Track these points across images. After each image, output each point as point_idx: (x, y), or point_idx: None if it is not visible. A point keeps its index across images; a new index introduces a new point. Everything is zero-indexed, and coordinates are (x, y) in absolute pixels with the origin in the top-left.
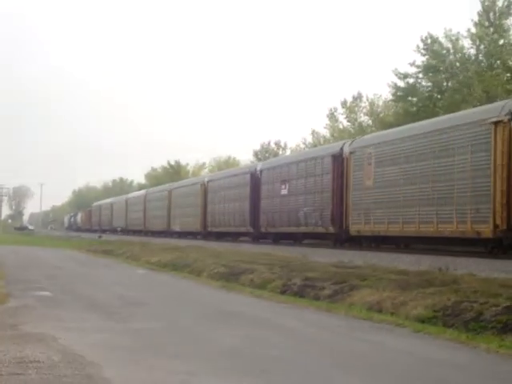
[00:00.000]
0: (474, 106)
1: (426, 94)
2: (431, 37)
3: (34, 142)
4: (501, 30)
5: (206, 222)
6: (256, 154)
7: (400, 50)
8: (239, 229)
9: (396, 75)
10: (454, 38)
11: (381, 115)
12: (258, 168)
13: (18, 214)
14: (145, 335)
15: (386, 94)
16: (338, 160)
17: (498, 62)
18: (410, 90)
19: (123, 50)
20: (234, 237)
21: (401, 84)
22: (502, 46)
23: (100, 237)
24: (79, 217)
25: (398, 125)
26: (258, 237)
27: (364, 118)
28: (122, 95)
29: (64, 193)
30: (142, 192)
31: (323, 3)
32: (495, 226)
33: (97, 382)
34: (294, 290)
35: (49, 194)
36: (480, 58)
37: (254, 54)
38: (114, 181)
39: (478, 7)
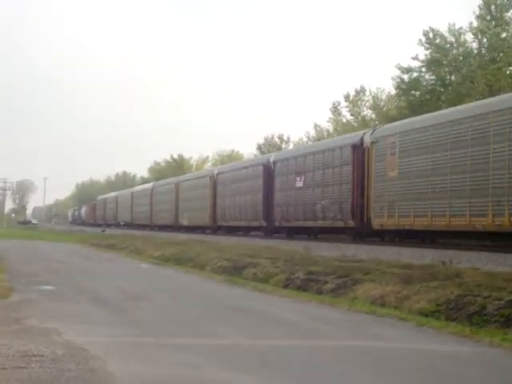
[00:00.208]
0: (478, 100)
1: (430, 88)
2: (433, 30)
3: (38, 136)
4: (503, 23)
5: (216, 215)
6: (259, 147)
7: (403, 43)
8: (251, 223)
9: (399, 69)
10: (456, 32)
11: (384, 109)
12: (272, 159)
13: (21, 208)
14: (148, 329)
15: (389, 88)
16: (359, 150)
17: (501, 54)
18: (413, 83)
19: (128, 40)
20: (245, 231)
21: (404, 77)
22: (504, 39)
23: (103, 231)
24: (83, 211)
25: (401, 119)
26: (272, 231)
27: (367, 112)
28: (123, 89)
29: (67, 187)
30: (149, 185)
31: None
32: None
33: (100, 375)
34: (297, 283)
35: (52, 188)
36: (483, 51)
37: (258, 47)
38: (117, 175)
39: (479, 0)
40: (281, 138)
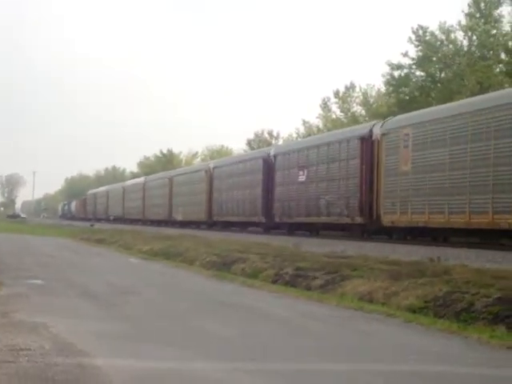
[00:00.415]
0: (468, 97)
1: (420, 84)
2: (422, 28)
3: (27, 130)
4: (492, 21)
5: (212, 210)
6: (249, 142)
7: (393, 40)
8: (250, 218)
9: (389, 65)
10: (446, 30)
11: (374, 105)
12: (272, 153)
13: (10, 202)
14: (137, 323)
15: (379, 85)
16: (367, 143)
17: (491, 52)
18: (403, 80)
19: (117, 36)
20: (241, 227)
21: (395, 74)
22: (494, 36)
23: (92, 225)
24: (73, 205)
25: (391, 115)
26: (271, 227)
27: (357, 108)
28: (111, 84)
29: (57, 181)
30: (141, 179)
31: None
32: None
33: (89, 370)
34: (286, 279)
35: (41, 182)
36: (472, 49)
37: (248, 44)
38: (106, 169)
39: None
40: (271, 133)
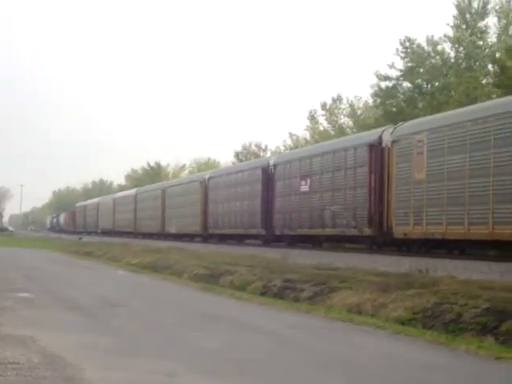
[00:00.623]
0: (455, 108)
1: (407, 95)
2: (410, 40)
3: (13, 143)
4: (477, 32)
5: (207, 223)
6: (237, 155)
7: (380, 52)
8: (248, 231)
9: (377, 76)
10: (434, 42)
11: (361, 117)
12: (271, 162)
13: None
14: (125, 336)
15: (367, 97)
16: (377, 150)
17: (477, 63)
18: (390, 91)
19: (103, 49)
20: (239, 240)
21: (383, 84)
22: (480, 47)
23: (80, 238)
24: (62, 218)
25: (378, 127)
26: (271, 240)
27: (345, 120)
28: (97, 96)
29: (44, 194)
30: (132, 191)
31: (302, 6)
32: None
33: (77, 383)
34: (274, 291)
35: (29, 195)
36: (459, 60)
37: (235, 56)
38: (93, 182)
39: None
40: (259, 146)
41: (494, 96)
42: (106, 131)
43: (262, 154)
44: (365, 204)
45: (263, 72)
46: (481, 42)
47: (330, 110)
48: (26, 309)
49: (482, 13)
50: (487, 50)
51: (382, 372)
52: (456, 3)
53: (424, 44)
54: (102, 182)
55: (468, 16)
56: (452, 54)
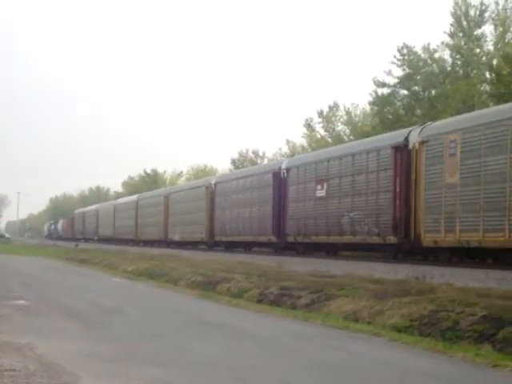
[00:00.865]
0: (452, 115)
1: (404, 102)
2: (407, 47)
3: (11, 150)
4: (474, 39)
5: (213, 230)
6: (234, 162)
7: (377, 60)
8: (258, 238)
9: (374, 83)
10: (431, 50)
11: (359, 124)
12: (283, 166)
13: None
14: (122, 344)
15: (364, 104)
16: (403, 152)
17: (475, 71)
18: (387, 99)
19: (102, 56)
20: (247, 247)
21: (381, 91)
22: (477, 55)
23: (77, 245)
24: (60, 224)
25: (376, 134)
26: (284, 248)
27: (342, 127)
28: (95, 103)
29: (41, 201)
30: (133, 197)
31: (299, 13)
32: None
33: None
34: (271, 298)
35: (26, 202)
36: (456, 68)
37: (231, 63)
38: (90, 189)
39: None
40: (256, 153)
41: (492, 104)
42: (103, 139)
43: (259, 161)
44: (389, 210)
45: (260, 79)
46: (478, 50)
47: (327, 118)
48: (23, 316)
49: (479, 21)
50: (484, 58)
51: (379, 379)
52: (452, 11)
53: (420, 52)
54: (98, 188)
55: (465, 23)
56: (450, 62)
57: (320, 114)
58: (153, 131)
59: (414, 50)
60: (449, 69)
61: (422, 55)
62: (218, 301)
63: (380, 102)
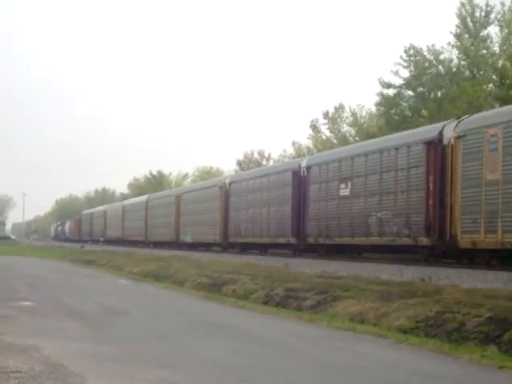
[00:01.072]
0: (459, 117)
1: (410, 103)
2: (414, 47)
3: (16, 151)
4: (480, 41)
5: (228, 231)
6: (239, 163)
7: (383, 61)
8: (275, 240)
9: (380, 84)
10: (437, 51)
11: (365, 125)
12: (303, 164)
13: (0, 223)
14: (128, 345)
15: (370, 105)
16: (437, 148)
17: (481, 72)
18: (393, 100)
19: (103, 57)
20: (264, 249)
21: (387, 92)
22: (483, 56)
23: (82, 247)
24: (67, 226)
25: (382, 135)
26: (304, 249)
27: (347, 129)
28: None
29: (47, 203)
30: (143, 197)
31: (305, 13)
32: None
33: None
34: (277, 300)
35: (32, 203)
36: (462, 69)
37: (237, 64)
38: (96, 191)
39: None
40: (261, 154)
41: (497, 105)
42: (103, 139)
43: (264, 162)
44: (421, 209)
45: (266, 80)
46: (484, 51)
47: (333, 119)
48: (29, 317)
49: (485, 22)
50: (490, 60)
51: (384, 381)
52: (458, 12)
53: (426, 53)
54: (104, 190)
55: (471, 24)
56: (455, 63)
57: (325, 115)
58: (153, 131)
59: (420, 50)
60: (454, 70)
61: (428, 56)
62: (224, 302)
63: (386, 103)
